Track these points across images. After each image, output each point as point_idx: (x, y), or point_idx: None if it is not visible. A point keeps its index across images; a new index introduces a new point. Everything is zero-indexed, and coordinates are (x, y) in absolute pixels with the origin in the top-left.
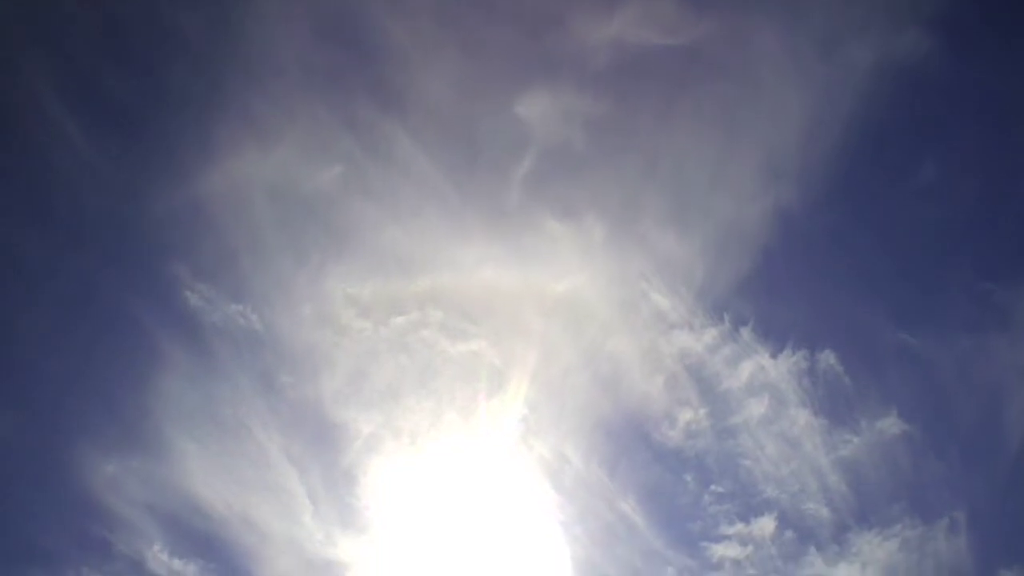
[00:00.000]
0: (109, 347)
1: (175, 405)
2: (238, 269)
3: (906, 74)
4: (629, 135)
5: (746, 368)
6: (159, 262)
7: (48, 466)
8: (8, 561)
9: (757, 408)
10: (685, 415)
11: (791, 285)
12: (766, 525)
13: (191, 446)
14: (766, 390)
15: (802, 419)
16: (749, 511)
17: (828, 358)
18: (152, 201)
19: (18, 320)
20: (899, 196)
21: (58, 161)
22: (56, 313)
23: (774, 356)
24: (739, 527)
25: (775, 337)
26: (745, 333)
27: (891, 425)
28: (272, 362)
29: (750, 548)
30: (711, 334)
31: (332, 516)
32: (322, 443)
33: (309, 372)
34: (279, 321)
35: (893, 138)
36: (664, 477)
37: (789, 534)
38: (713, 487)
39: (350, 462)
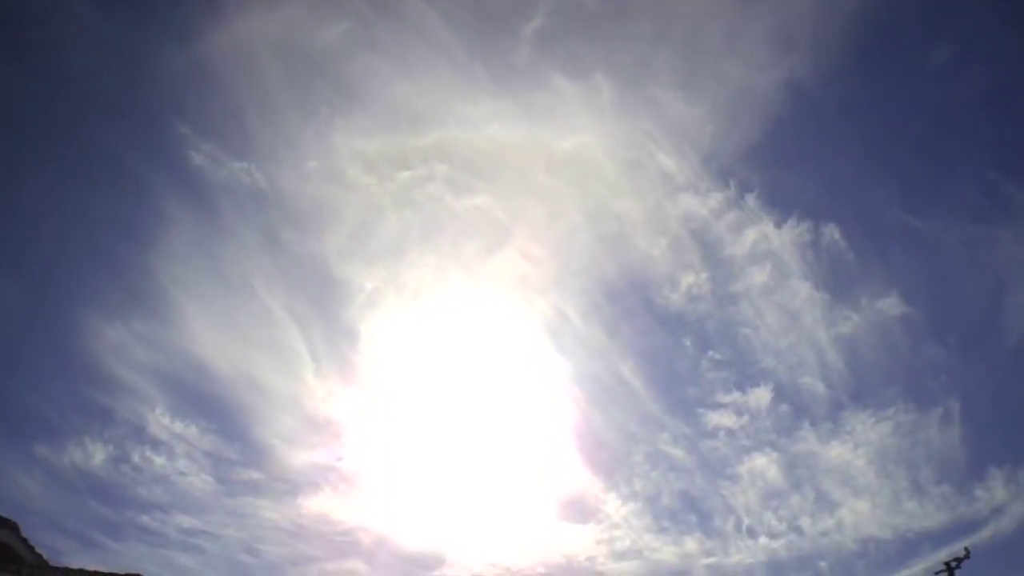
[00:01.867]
0: (112, 208)
1: (179, 265)
2: (243, 127)
3: None
4: None
5: (750, 235)
6: (163, 122)
7: (49, 333)
8: (9, 433)
9: (759, 276)
10: (687, 278)
11: (799, 156)
12: (762, 396)
13: (194, 307)
14: (769, 259)
15: (803, 292)
16: (746, 380)
17: (832, 232)
18: (156, 62)
19: (22, 183)
20: (912, 77)
21: (61, 24)
22: (60, 175)
23: (778, 226)
24: (735, 396)
25: (780, 207)
26: (750, 200)
27: (892, 306)
28: (276, 219)
29: (745, 418)
30: (716, 199)
31: (333, 373)
32: (325, 300)
33: (313, 228)
34: (284, 178)
35: (908, 17)
36: (664, 340)
37: (784, 407)
38: (711, 353)
39: (352, 318)
